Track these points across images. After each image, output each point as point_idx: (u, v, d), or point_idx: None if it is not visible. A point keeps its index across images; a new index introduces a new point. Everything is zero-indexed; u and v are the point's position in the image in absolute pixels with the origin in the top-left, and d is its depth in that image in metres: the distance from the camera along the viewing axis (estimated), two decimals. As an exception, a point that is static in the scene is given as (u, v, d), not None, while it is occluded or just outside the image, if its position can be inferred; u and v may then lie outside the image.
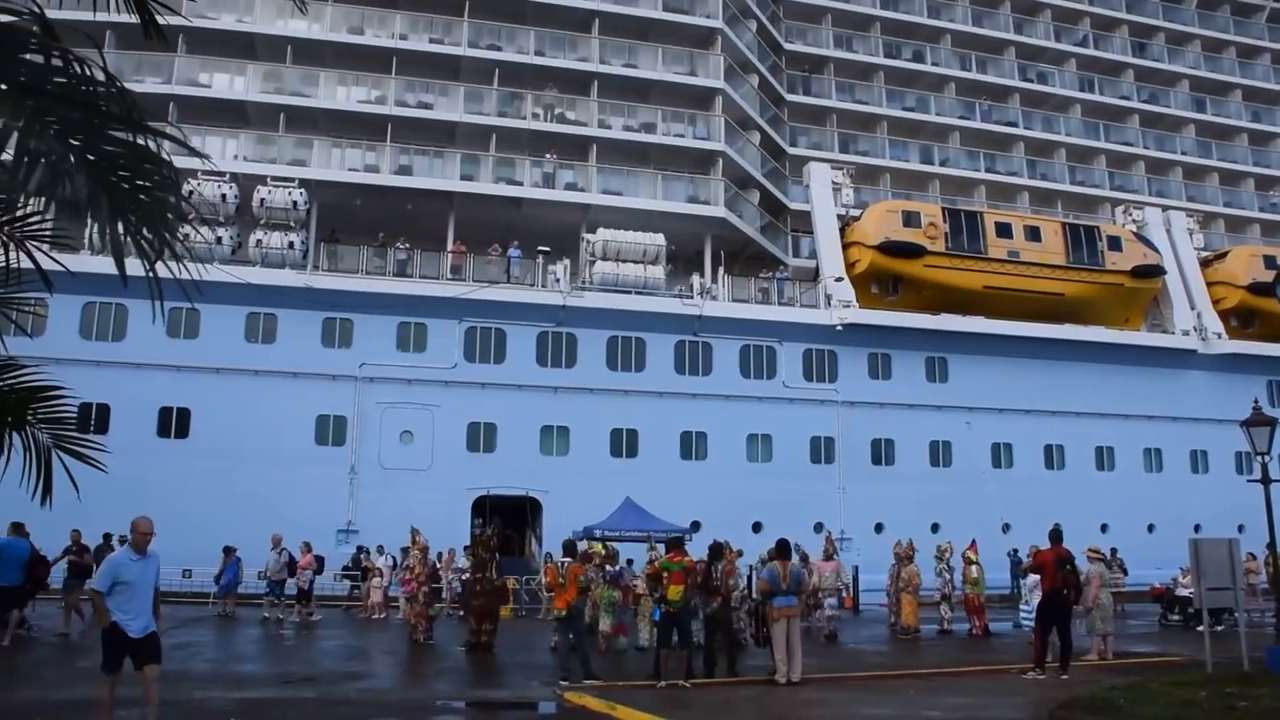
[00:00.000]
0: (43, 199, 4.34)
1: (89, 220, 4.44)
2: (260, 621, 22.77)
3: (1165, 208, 44.09)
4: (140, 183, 4.55)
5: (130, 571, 8.80)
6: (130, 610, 8.77)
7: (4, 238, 5.96)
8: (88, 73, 4.45)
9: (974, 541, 23.65)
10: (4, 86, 4.28)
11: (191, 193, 29.15)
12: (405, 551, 25.81)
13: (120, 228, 4.44)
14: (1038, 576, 16.02)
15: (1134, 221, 42.74)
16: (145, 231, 4.53)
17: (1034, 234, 38.95)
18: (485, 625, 17.71)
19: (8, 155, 4.31)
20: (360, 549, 28.59)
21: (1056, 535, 15.18)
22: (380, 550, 26.90)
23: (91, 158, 4.40)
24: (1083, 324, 38.81)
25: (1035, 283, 38.23)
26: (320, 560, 25.07)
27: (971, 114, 44.95)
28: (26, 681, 14.03)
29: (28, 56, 4.32)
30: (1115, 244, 39.93)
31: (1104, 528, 35.33)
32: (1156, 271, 40.55)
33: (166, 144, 4.70)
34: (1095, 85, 47.47)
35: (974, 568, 22.52)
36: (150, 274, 4.62)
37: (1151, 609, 26.96)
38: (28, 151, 4.18)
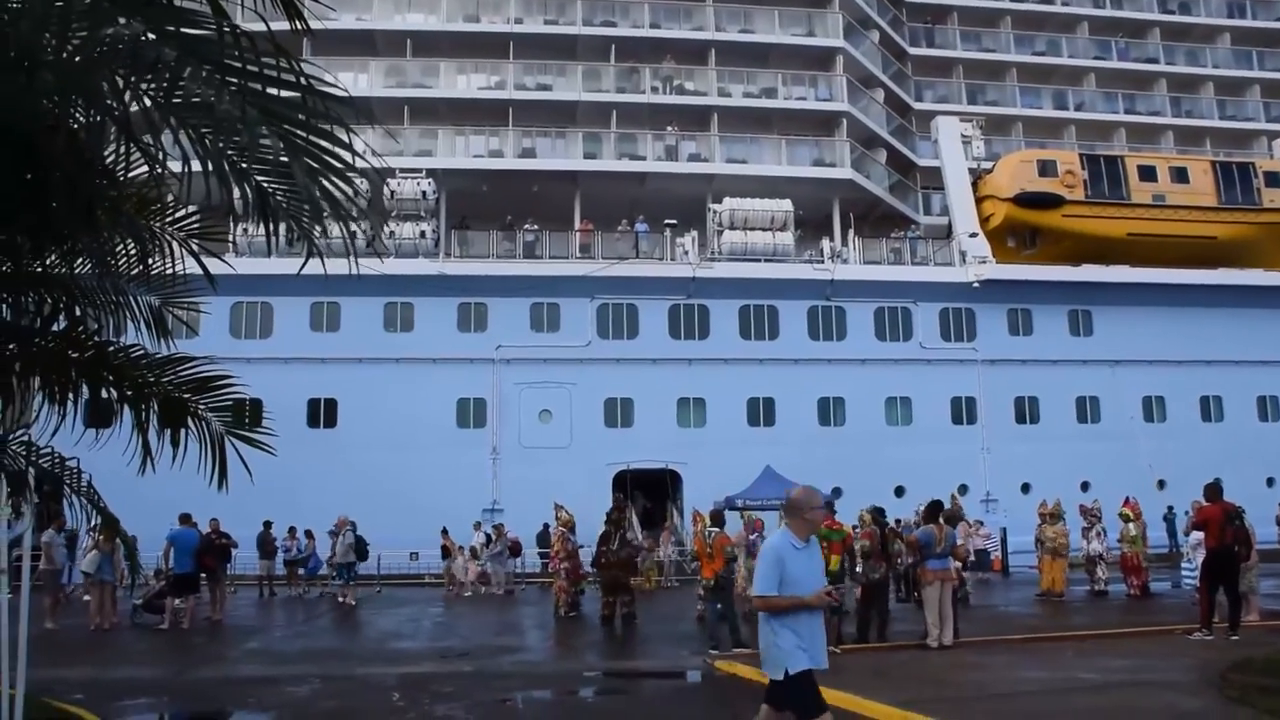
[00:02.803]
0: (206, 198, 4.52)
1: (263, 214, 4.62)
2: (337, 605, 22.85)
3: (1331, 136, 41.36)
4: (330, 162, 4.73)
5: (797, 564, 5.96)
6: (802, 629, 5.94)
7: (172, 239, 6.30)
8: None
9: (1127, 499, 22.77)
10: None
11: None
12: (497, 530, 26.20)
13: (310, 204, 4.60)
14: (1200, 534, 15.30)
15: (1293, 154, 40.22)
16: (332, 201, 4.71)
17: (1181, 175, 37.10)
18: (623, 597, 17.71)
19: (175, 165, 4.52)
20: (477, 525, 28.54)
21: (1216, 490, 14.42)
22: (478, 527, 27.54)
23: (285, 126, 4.57)
24: (1238, 267, 36.70)
25: (1184, 226, 36.40)
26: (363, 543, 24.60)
27: (1107, 53, 42.89)
28: (208, 661, 14.88)
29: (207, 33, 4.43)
30: (1273, 180, 37.72)
31: (1270, 482, 33.57)
32: (1322, 206, 38.11)
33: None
34: (1246, 10, 44.60)
35: (1131, 525, 21.71)
36: (349, 240, 4.82)
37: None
38: (229, 118, 4.31)
